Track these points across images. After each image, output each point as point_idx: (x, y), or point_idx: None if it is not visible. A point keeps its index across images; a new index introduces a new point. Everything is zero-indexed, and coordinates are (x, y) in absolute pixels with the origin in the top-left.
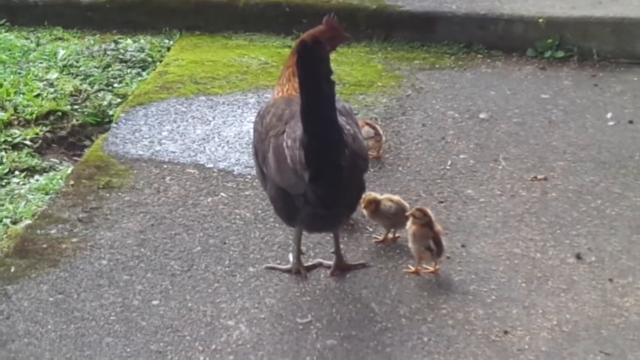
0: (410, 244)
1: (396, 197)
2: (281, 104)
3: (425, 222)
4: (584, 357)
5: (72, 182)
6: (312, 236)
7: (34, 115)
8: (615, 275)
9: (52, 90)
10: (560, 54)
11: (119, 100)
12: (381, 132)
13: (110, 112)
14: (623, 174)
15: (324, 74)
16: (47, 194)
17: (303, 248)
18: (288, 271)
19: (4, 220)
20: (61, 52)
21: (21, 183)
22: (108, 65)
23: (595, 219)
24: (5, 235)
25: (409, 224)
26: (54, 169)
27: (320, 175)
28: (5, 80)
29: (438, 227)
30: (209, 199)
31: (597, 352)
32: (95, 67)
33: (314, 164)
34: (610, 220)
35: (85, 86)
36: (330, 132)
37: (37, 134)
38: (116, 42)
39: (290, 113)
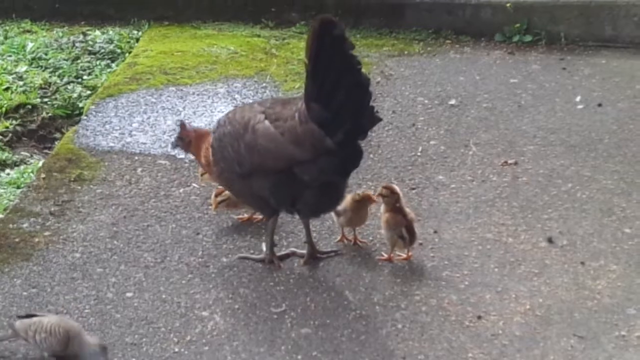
0: (383, 231)
1: None
2: (244, 106)
3: (397, 209)
4: (557, 340)
5: (43, 176)
6: (284, 225)
7: (3, 109)
8: (587, 258)
9: (21, 83)
10: (529, 38)
11: (88, 92)
12: None
13: (80, 105)
14: (593, 157)
15: (349, 47)
16: (18, 187)
17: (275, 237)
18: (261, 261)
19: None
20: (30, 45)
21: None
22: (77, 58)
23: (566, 202)
24: None
25: (382, 209)
26: (25, 163)
27: (348, 140)
28: None
29: (411, 214)
30: (181, 190)
31: (571, 335)
32: (64, 59)
33: (343, 129)
34: (581, 203)
35: (54, 79)
36: (364, 97)
37: (7, 127)
38: (85, 34)
39: (260, 105)
